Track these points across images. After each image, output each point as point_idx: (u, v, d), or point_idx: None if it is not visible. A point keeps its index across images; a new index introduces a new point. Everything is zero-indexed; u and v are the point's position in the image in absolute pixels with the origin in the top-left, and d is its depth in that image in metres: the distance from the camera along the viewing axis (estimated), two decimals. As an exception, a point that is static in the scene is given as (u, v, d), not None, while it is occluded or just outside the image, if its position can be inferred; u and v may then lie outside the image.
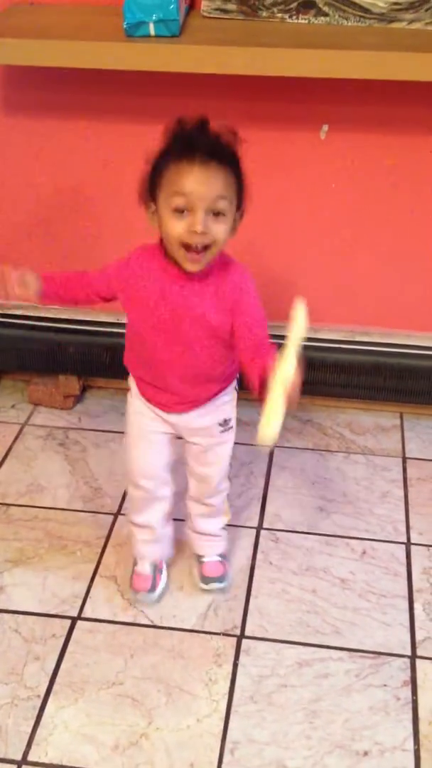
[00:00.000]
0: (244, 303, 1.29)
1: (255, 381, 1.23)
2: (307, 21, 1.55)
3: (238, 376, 1.44)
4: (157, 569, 1.57)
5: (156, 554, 1.57)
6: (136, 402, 1.44)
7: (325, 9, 1.54)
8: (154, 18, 1.48)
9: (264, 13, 1.56)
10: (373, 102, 1.64)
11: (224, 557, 1.59)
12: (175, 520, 1.57)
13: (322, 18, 1.55)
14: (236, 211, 1.24)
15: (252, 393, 1.24)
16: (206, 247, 1.21)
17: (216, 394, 1.41)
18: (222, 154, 1.19)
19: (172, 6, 1.47)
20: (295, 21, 1.55)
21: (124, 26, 1.50)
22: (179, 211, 1.18)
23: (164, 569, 1.59)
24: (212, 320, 1.30)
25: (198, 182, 1.16)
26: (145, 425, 1.44)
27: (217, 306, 1.29)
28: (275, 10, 1.55)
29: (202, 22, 1.57)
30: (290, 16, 1.55)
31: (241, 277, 1.30)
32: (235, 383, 1.45)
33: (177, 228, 1.19)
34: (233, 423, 1.45)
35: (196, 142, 1.18)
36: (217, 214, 1.19)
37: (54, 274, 1.38)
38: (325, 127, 1.69)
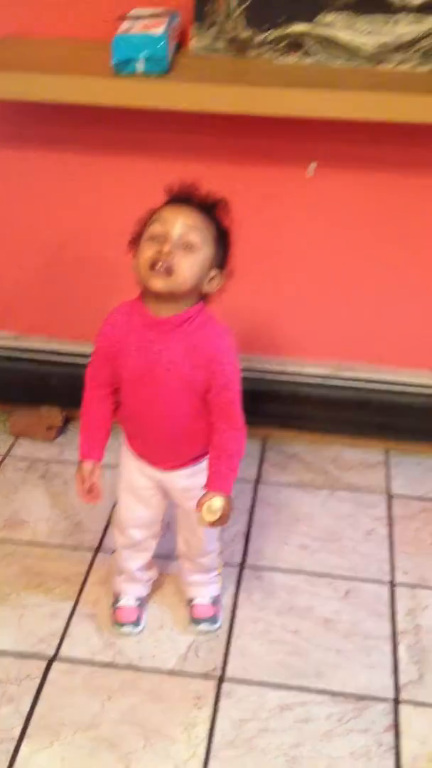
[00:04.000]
0: (218, 365, 1.30)
1: (212, 456, 1.35)
2: (295, 61, 1.56)
3: None
4: (141, 604, 1.56)
5: (136, 592, 1.56)
6: (125, 456, 1.45)
7: (314, 49, 1.55)
8: (142, 55, 1.49)
9: (252, 53, 1.57)
10: (360, 141, 1.65)
11: (216, 600, 1.57)
12: (166, 558, 1.57)
13: (311, 58, 1.56)
14: (215, 268, 1.28)
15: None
16: (171, 273, 1.23)
17: (200, 456, 1.40)
18: (205, 207, 1.27)
19: (161, 44, 1.48)
20: (284, 60, 1.56)
21: (113, 63, 1.50)
22: (154, 239, 1.25)
23: (146, 611, 1.57)
24: (186, 371, 1.30)
25: (175, 213, 1.25)
26: (134, 480, 1.45)
27: (191, 359, 1.29)
28: (264, 49, 1.56)
29: (190, 60, 1.57)
30: (279, 56, 1.56)
31: (221, 338, 1.31)
32: None
33: (147, 252, 1.25)
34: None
35: (183, 195, 1.28)
36: (188, 247, 1.24)
37: (91, 434, 1.43)
38: (313, 165, 1.70)
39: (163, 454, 1.40)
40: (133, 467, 1.44)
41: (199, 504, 1.31)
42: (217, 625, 1.55)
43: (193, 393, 1.32)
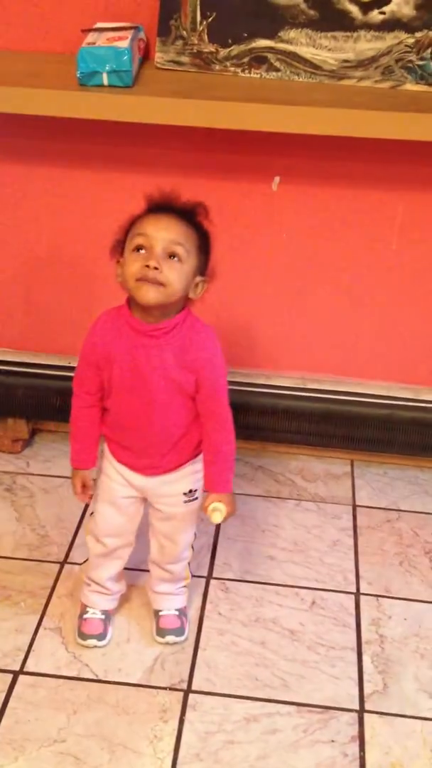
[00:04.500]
0: (208, 372, 1.33)
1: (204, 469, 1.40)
2: (259, 75, 1.57)
3: None
4: (107, 618, 1.55)
5: (105, 604, 1.56)
6: (106, 464, 1.45)
7: (277, 64, 1.57)
8: (107, 68, 1.49)
9: (217, 67, 1.58)
10: (323, 156, 1.67)
11: (182, 612, 1.57)
12: (134, 570, 1.57)
13: (274, 73, 1.57)
14: (200, 275, 1.31)
15: None
16: (160, 284, 1.25)
17: (184, 463, 1.42)
18: (185, 214, 1.29)
19: (125, 57, 1.48)
20: (248, 75, 1.58)
21: (78, 75, 1.50)
22: (138, 250, 1.26)
23: (112, 624, 1.57)
24: (174, 375, 1.32)
25: (157, 226, 1.26)
26: (114, 489, 1.45)
27: (179, 362, 1.31)
28: (228, 63, 1.57)
29: (155, 73, 1.58)
30: (243, 70, 1.58)
31: (210, 347, 1.34)
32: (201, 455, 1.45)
33: (134, 265, 1.26)
34: (199, 494, 1.45)
35: (164, 204, 1.30)
36: (172, 257, 1.25)
37: (80, 441, 1.45)
38: (277, 179, 1.71)
39: (150, 461, 1.40)
40: (114, 477, 1.44)
41: (205, 508, 1.36)
42: (183, 637, 1.55)
43: (183, 397, 1.34)
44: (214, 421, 1.37)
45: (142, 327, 1.30)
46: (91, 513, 1.51)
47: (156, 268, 1.23)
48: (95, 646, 1.52)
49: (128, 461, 1.42)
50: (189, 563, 1.56)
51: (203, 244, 1.31)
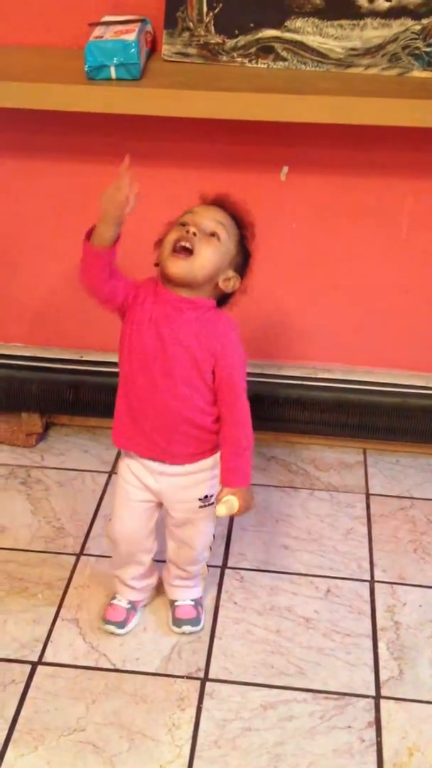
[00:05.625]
0: (229, 358, 1.35)
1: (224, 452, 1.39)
2: (266, 66, 1.58)
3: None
4: (132, 608, 1.57)
5: (133, 596, 1.57)
6: (123, 468, 1.46)
7: (284, 54, 1.57)
8: (115, 62, 1.50)
9: (224, 58, 1.58)
10: (331, 145, 1.67)
11: (198, 602, 1.58)
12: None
13: (281, 63, 1.57)
14: (233, 269, 1.34)
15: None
16: (191, 254, 1.28)
17: (196, 457, 1.41)
18: (231, 210, 1.35)
19: (132, 50, 1.49)
20: (255, 65, 1.58)
21: (86, 69, 1.51)
22: (182, 224, 1.30)
23: (138, 613, 1.58)
24: (195, 352, 1.33)
25: (205, 209, 1.33)
26: (130, 492, 1.45)
27: (201, 343, 1.33)
28: (235, 54, 1.58)
29: (162, 65, 1.59)
30: (249, 61, 1.58)
31: (229, 331, 1.36)
32: (218, 457, 1.44)
33: (174, 234, 1.30)
34: (214, 499, 1.44)
35: (217, 201, 1.36)
36: (212, 236, 1.29)
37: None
38: (285, 169, 1.72)
39: (156, 444, 1.38)
40: (131, 480, 1.44)
41: (218, 499, 1.36)
42: (199, 627, 1.56)
43: (200, 378, 1.34)
44: (232, 414, 1.37)
45: (172, 297, 1.32)
46: (110, 519, 1.52)
47: (194, 235, 1.28)
48: (113, 633, 1.54)
49: (136, 445, 1.41)
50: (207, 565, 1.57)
51: (242, 248, 1.35)
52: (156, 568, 1.58)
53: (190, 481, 1.42)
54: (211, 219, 1.30)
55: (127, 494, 1.46)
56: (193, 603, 1.57)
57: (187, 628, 1.55)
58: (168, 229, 1.33)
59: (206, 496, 1.44)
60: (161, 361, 1.33)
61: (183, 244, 1.28)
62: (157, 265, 1.33)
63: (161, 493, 1.44)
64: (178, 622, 1.56)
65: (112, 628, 1.54)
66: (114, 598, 1.57)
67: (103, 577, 1.64)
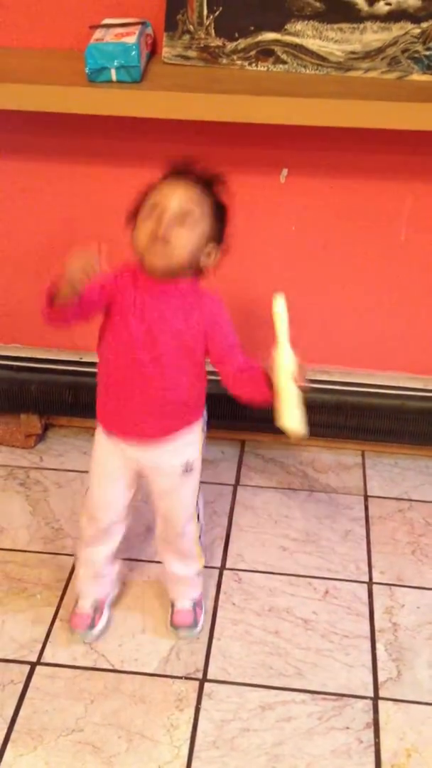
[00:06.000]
0: (218, 329, 1.36)
1: (258, 386, 1.31)
2: (266, 69, 1.58)
3: (205, 416, 1.45)
4: (98, 609, 1.56)
5: (97, 593, 1.56)
6: (101, 437, 1.45)
7: (284, 57, 1.57)
8: (115, 64, 1.50)
9: (224, 60, 1.59)
10: (331, 147, 1.67)
11: (197, 603, 1.58)
12: (149, 562, 1.58)
13: (281, 66, 1.58)
14: (212, 241, 1.31)
15: (255, 402, 1.33)
16: (167, 247, 1.26)
17: (182, 428, 1.41)
18: (202, 181, 1.30)
19: (133, 53, 1.49)
20: (255, 68, 1.58)
21: (87, 71, 1.51)
22: (152, 211, 1.27)
23: (106, 609, 1.57)
24: (184, 333, 1.33)
25: (171, 190, 1.28)
26: (110, 464, 1.44)
27: (190, 324, 1.33)
28: (235, 57, 1.58)
29: (163, 68, 1.59)
30: (249, 64, 1.58)
31: (216, 308, 1.37)
32: (202, 424, 1.45)
33: (145, 226, 1.27)
34: (197, 465, 1.45)
35: (181, 170, 1.31)
36: (185, 219, 1.26)
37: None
38: (285, 171, 1.72)
39: (146, 425, 1.38)
40: (110, 449, 1.43)
41: (275, 374, 1.28)
42: (196, 631, 1.56)
43: (190, 359, 1.35)
44: (247, 367, 1.35)
45: (152, 285, 1.31)
46: (87, 490, 1.50)
47: (167, 225, 1.25)
48: (84, 639, 1.53)
49: (117, 425, 1.40)
50: (200, 540, 1.54)
51: (218, 212, 1.32)
52: (119, 558, 1.56)
53: (169, 449, 1.42)
54: (180, 199, 1.26)
55: (106, 462, 1.45)
56: (191, 606, 1.57)
57: (184, 634, 1.55)
58: (138, 204, 1.30)
59: (188, 462, 1.43)
60: (150, 349, 1.33)
61: (159, 235, 1.25)
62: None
63: (140, 462, 1.43)
64: (176, 628, 1.56)
65: (80, 635, 1.53)
66: (76, 604, 1.56)
67: (101, 577, 1.64)
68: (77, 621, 1.54)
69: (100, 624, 1.55)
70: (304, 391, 1.25)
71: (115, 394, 1.39)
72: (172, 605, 1.58)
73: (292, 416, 1.22)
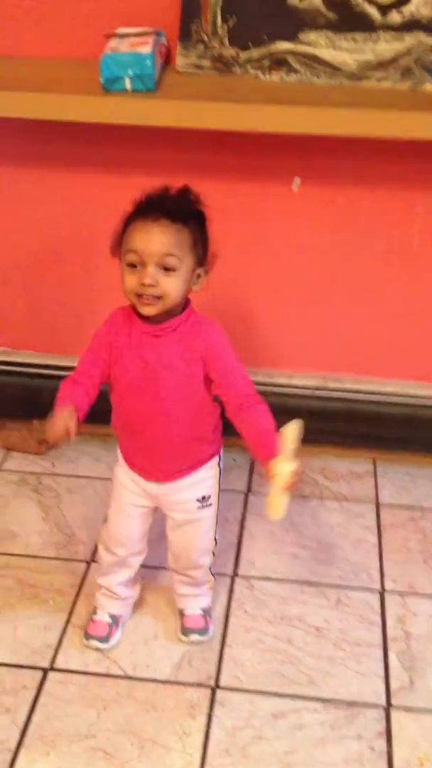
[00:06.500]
0: (215, 351, 1.34)
1: (250, 443, 1.33)
2: (279, 78, 1.59)
3: (221, 453, 1.46)
4: (114, 622, 1.56)
5: (114, 609, 1.56)
6: (120, 472, 1.46)
7: (297, 66, 1.58)
8: (130, 73, 1.51)
9: (237, 70, 1.60)
10: (344, 157, 1.68)
11: (207, 612, 1.58)
12: (158, 568, 1.58)
13: (294, 75, 1.59)
14: (198, 267, 1.31)
15: (249, 453, 1.35)
16: (158, 298, 1.27)
17: (195, 467, 1.42)
18: (175, 215, 1.26)
19: (147, 62, 1.51)
20: (268, 78, 1.59)
21: (101, 81, 1.53)
22: (132, 266, 1.27)
23: (120, 629, 1.57)
24: (184, 369, 1.33)
25: (147, 240, 1.25)
26: (126, 498, 1.46)
27: (187, 356, 1.33)
28: (248, 66, 1.59)
29: (177, 77, 1.60)
30: (263, 73, 1.59)
31: (212, 332, 1.35)
32: (217, 461, 1.46)
33: (131, 281, 1.27)
34: (213, 500, 1.46)
35: (153, 204, 1.28)
36: (167, 269, 1.26)
37: (70, 396, 1.37)
38: (298, 180, 1.73)
39: (164, 464, 1.41)
40: (128, 485, 1.45)
41: (267, 474, 1.28)
42: (207, 636, 1.56)
43: (193, 393, 1.35)
44: (243, 399, 1.33)
45: (147, 328, 1.33)
46: (105, 521, 1.52)
47: (151, 285, 1.25)
48: (97, 648, 1.53)
49: (141, 466, 1.43)
50: (210, 568, 1.55)
51: (198, 236, 1.29)
52: (139, 580, 1.58)
53: (188, 484, 1.43)
54: (157, 255, 1.24)
55: (124, 499, 1.46)
56: (201, 612, 1.57)
57: (194, 637, 1.55)
58: (117, 238, 1.29)
59: (204, 497, 1.44)
60: (152, 390, 1.34)
61: (146, 294, 1.26)
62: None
63: (158, 496, 1.45)
64: (186, 631, 1.56)
65: (95, 643, 1.53)
66: (95, 613, 1.56)
67: (113, 584, 1.64)
68: (95, 628, 1.54)
69: (115, 638, 1.55)
70: (293, 493, 1.30)
71: (130, 437, 1.42)
72: (181, 612, 1.58)
73: (275, 510, 1.29)
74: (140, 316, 1.32)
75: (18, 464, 2.02)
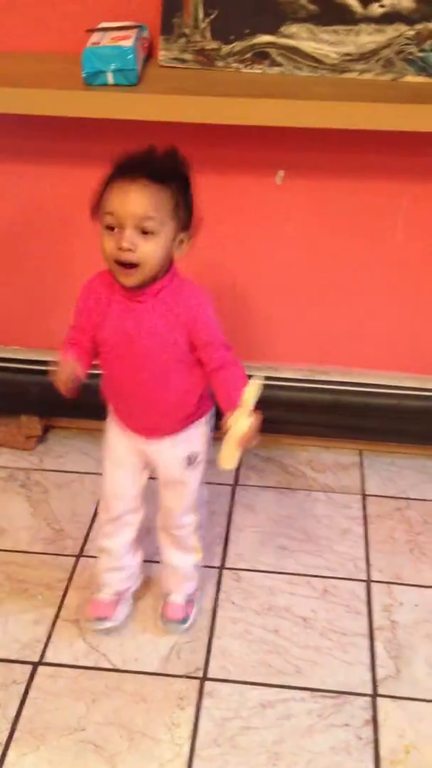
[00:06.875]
0: (198, 319, 1.32)
1: (219, 400, 1.35)
2: (261, 71, 1.59)
3: (213, 411, 1.46)
4: (118, 600, 1.57)
5: (118, 584, 1.56)
6: (112, 426, 1.47)
7: (279, 59, 1.58)
8: (112, 67, 1.51)
9: (220, 63, 1.60)
10: (327, 149, 1.68)
11: (191, 599, 1.59)
12: (147, 561, 1.60)
13: (276, 68, 1.59)
14: (181, 231, 1.28)
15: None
16: (137, 266, 1.24)
17: (187, 425, 1.43)
18: (155, 174, 1.23)
19: (129, 56, 1.50)
20: (250, 71, 1.59)
21: (83, 75, 1.52)
22: (110, 228, 1.24)
23: (128, 600, 1.58)
24: (167, 336, 1.32)
25: (124, 201, 1.22)
26: (119, 451, 1.47)
27: (169, 322, 1.31)
28: (230, 60, 1.59)
29: (159, 71, 1.60)
30: (245, 66, 1.59)
31: (197, 298, 1.33)
32: (209, 418, 1.47)
33: (108, 245, 1.24)
34: (202, 458, 1.46)
35: (133, 165, 1.24)
36: (145, 232, 1.23)
37: (69, 351, 1.38)
38: (281, 173, 1.73)
39: (149, 424, 1.41)
40: (120, 439, 1.46)
41: (225, 426, 1.29)
42: (185, 626, 1.56)
43: (176, 358, 1.34)
44: (218, 366, 1.34)
45: (129, 294, 1.30)
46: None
47: (128, 249, 1.22)
48: (101, 628, 1.54)
49: (131, 425, 1.43)
50: (200, 532, 1.54)
51: (180, 199, 1.26)
52: (141, 548, 1.57)
53: (174, 441, 1.44)
54: (135, 217, 1.20)
55: (116, 451, 1.47)
56: (183, 601, 1.57)
57: (171, 628, 1.56)
58: (96, 200, 1.26)
59: (193, 453, 1.45)
60: (135, 356, 1.33)
61: (125, 261, 1.23)
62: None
63: (147, 453, 1.45)
64: (165, 620, 1.57)
65: (96, 624, 1.54)
66: (99, 591, 1.56)
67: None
68: (95, 609, 1.55)
69: (119, 616, 1.56)
70: (248, 448, 1.29)
71: (118, 399, 1.43)
72: (165, 597, 1.58)
73: (226, 463, 1.27)
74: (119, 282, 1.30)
75: (6, 460, 2.02)
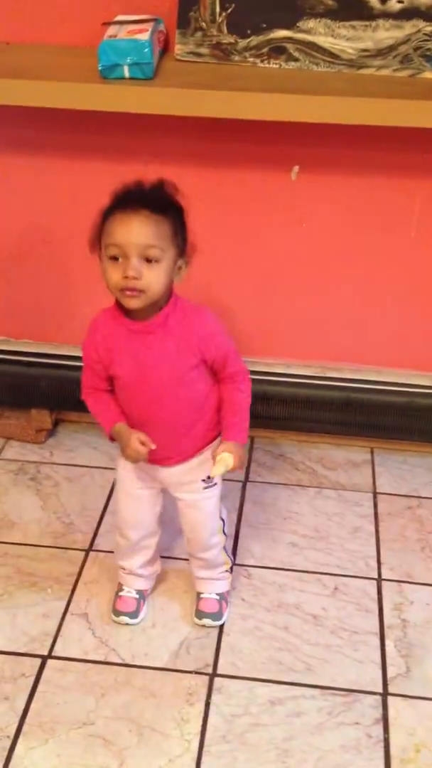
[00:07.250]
0: (209, 341, 1.36)
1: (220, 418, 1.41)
2: (278, 66, 1.59)
3: None
4: (141, 597, 1.59)
5: (140, 585, 1.59)
6: (124, 459, 1.46)
7: (296, 54, 1.58)
8: (128, 61, 1.50)
9: (236, 58, 1.59)
10: (342, 145, 1.68)
11: (223, 597, 1.59)
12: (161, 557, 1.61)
13: (293, 63, 1.58)
14: (180, 257, 1.31)
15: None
16: (142, 291, 1.27)
17: (201, 449, 1.44)
18: (154, 205, 1.26)
19: (146, 50, 1.50)
20: (267, 65, 1.59)
21: (99, 68, 1.52)
22: (114, 259, 1.27)
23: (147, 602, 1.60)
24: (179, 363, 1.34)
25: (128, 232, 1.25)
26: (133, 483, 1.48)
27: (182, 348, 1.34)
28: (247, 54, 1.59)
29: (175, 65, 1.59)
30: (262, 61, 1.59)
31: (205, 323, 1.36)
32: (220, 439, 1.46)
33: (114, 275, 1.27)
34: (218, 479, 1.47)
35: (130, 196, 1.28)
36: (149, 260, 1.26)
37: (105, 409, 1.42)
38: (296, 169, 1.73)
39: (166, 452, 1.42)
40: (133, 471, 1.46)
41: (214, 456, 1.37)
42: (220, 622, 1.57)
43: (191, 382, 1.36)
44: (235, 382, 1.40)
45: (136, 326, 1.33)
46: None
47: (135, 278, 1.25)
48: (127, 624, 1.55)
49: (147, 455, 1.43)
50: (225, 548, 1.57)
51: (177, 228, 1.29)
52: (158, 557, 1.59)
53: (191, 465, 1.45)
54: (138, 246, 1.24)
55: (129, 482, 1.48)
56: (217, 597, 1.58)
57: (207, 621, 1.56)
58: (96, 232, 1.29)
59: (209, 477, 1.45)
60: (150, 385, 1.35)
61: (130, 288, 1.26)
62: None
63: (164, 479, 1.46)
64: (200, 614, 1.57)
65: (125, 618, 1.56)
66: (121, 590, 1.59)
67: (112, 572, 1.64)
68: (123, 604, 1.57)
69: (143, 612, 1.58)
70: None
71: (134, 429, 1.41)
72: (198, 594, 1.59)
73: (215, 472, 1.38)
74: (127, 314, 1.33)
75: (16, 453, 2.02)
